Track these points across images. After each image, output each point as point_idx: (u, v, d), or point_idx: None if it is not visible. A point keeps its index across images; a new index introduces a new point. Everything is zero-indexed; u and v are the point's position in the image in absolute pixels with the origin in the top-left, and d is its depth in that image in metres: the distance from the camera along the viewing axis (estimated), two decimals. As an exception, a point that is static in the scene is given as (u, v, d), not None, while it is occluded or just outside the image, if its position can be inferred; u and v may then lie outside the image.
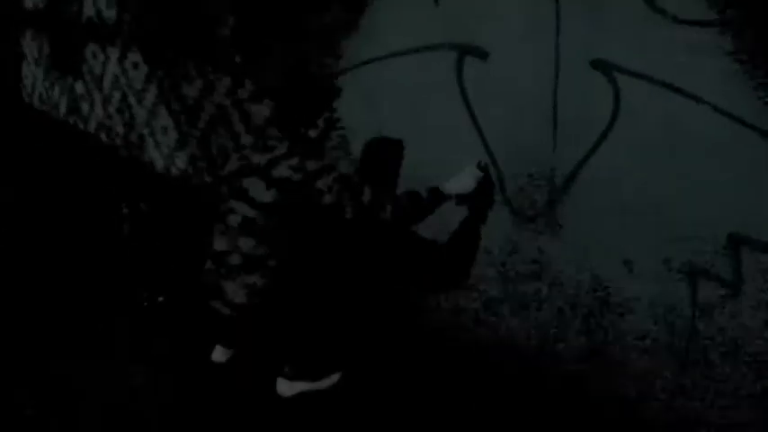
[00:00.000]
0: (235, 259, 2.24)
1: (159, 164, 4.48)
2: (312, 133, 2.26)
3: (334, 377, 2.69)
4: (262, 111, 3.61)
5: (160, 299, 2.98)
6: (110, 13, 4.65)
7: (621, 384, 2.49)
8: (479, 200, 2.57)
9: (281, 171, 2.13)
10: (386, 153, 2.92)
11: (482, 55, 2.54)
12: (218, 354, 2.71)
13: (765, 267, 2.12)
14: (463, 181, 2.39)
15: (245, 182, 2.24)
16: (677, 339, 2.34)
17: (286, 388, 2.50)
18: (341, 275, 2.62)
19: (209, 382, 2.61)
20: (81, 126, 5.30)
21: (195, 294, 2.45)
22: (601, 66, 2.29)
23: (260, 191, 2.17)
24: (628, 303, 2.42)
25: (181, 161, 4.30)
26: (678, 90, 2.16)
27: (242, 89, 3.72)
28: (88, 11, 4.84)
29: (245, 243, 2.20)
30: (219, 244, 2.30)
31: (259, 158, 2.22)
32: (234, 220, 2.24)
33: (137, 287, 3.16)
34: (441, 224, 2.77)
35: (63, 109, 5.52)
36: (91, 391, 2.55)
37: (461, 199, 2.49)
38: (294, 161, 2.13)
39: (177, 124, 4.27)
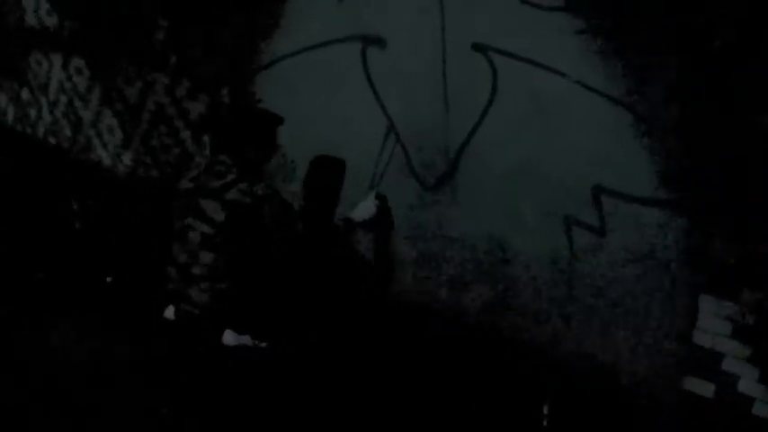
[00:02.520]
0: (197, 270, 2.54)
1: (107, 162, 4.72)
2: (255, 157, 2.60)
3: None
4: (197, 107, 3.89)
5: (108, 279, 3.25)
6: (51, 21, 4.85)
7: (518, 325, 2.85)
8: (381, 222, 3.02)
9: (233, 194, 2.45)
10: (328, 170, 3.24)
11: (381, 44, 2.87)
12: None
13: (624, 213, 2.49)
14: (366, 208, 2.86)
15: (202, 202, 2.53)
16: (561, 281, 2.70)
17: (230, 338, 2.79)
18: (286, 281, 2.96)
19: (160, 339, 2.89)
20: (29, 131, 5.48)
21: (161, 297, 2.74)
22: (480, 48, 2.64)
23: (216, 211, 2.48)
24: (519, 254, 2.78)
25: (127, 158, 4.54)
26: (543, 66, 2.52)
27: (179, 87, 3.99)
28: (30, 19, 5.03)
29: (206, 256, 2.51)
30: (182, 257, 2.59)
31: (214, 182, 2.53)
32: (194, 236, 2.54)
33: (87, 271, 3.42)
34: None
35: (11, 117, 5.68)
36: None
37: (366, 224, 2.92)
38: (244, 186, 2.46)
39: (122, 124, 4.51)
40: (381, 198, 2.97)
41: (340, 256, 3.26)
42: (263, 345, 2.96)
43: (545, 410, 2.78)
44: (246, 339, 2.76)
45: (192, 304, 2.56)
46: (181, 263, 2.58)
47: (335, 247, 3.21)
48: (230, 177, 2.50)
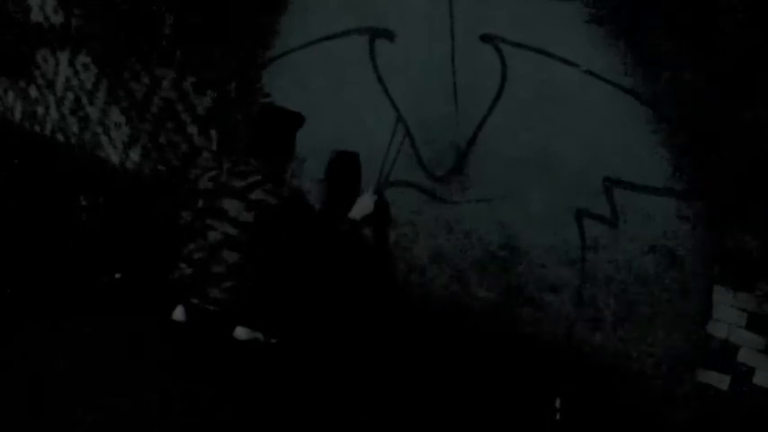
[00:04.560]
0: (217, 269, 2.53)
1: (114, 158, 4.72)
2: (281, 158, 2.61)
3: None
4: (204, 102, 3.88)
5: (117, 276, 3.25)
6: (57, 19, 4.85)
7: (530, 318, 2.83)
8: (379, 218, 3.06)
9: (259, 195, 2.45)
10: (346, 164, 3.24)
11: (390, 36, 2.85)
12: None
13: (636, 203, 2.46)
14: (365, 205, 2.88)
15: (224, 202, 2.52)
16: (573, 273, 2.68)
17: (243, 333, 2.79)
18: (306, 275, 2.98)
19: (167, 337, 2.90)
20: (38, 129, 5.49)
21: (171, 291, 2.74)
22: (489, 39, 2.61)
23: (240, 212, 2.47)
24: (530, 246, 2.75)
25: (134, 154, 4.54)
26: (554, 56, 2.49)
27: (185, 82, 3.98)
28: (36, 17, 5.03)
29: (230, 256, 2.50)
30: (197, 255, 2.58)
31: (237, 183, 2.52)
32: (213, 236, 2.53)
33: (96, 268, 3.43)
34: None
35: (18, 114, 5.69)
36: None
37: (365, 221, 2.93)
38: (269, 186, 2.45)
39: (129, 120, 4.51)
40: (379, 194, 3.00)
41: (347, 254, 3.25)
42: (274, 341, 2.97)
43: (557, 404, 2.76)
44: (258, 335, 2.75)
45: (210, 302, 2.55)
46: (198, 262, 2.57)
47: (344, 245, 3.21)
48: (255, 178, 2.49)
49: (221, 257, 2.52)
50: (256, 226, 2.48)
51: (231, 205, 2.49)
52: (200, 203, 2.59)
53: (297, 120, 2.66)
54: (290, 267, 2.73)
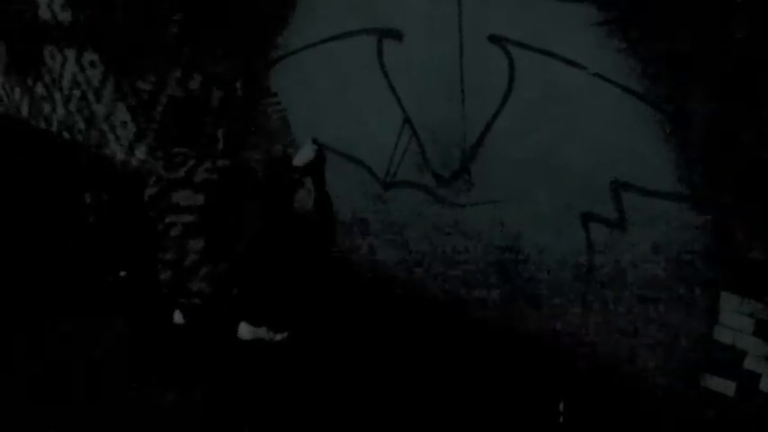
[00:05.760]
0: (189, 260, 2.54)
1: (120, 156, 4.72)
2: (205, 138, 2.68)
3: (284, 334, 3.00)
4: (211, 100, 3.88)
5: (122, 274, 3.25)
6: (65, 16, 4.86)
7: (534, 320, 2.82)
8: (318, 166, 3.26)
9: (201, 175, 2.50)
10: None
11: (397, 36, 2.84)
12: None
13: (644, 208, 2.45)
14: (306, 153, 3.07)
15: (173, 196, 2.55)
16: (579, 276, 2.67)
17: (247, 332, 2.79)
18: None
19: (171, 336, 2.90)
20: (44, 126, 5.50)
21: (162, 298, 2.74)
22: (497, 40, 2.60)
23: (190, 197, 2.50)
24: (536, 249, 2.74)
25: (140, 152, 4.54)
26: (562, 58, 2.48)
27: (192, 81, 3.98)
28: (43, 14, 5.04)
29: (196, 243, 2.52)
30: (169, 255, 2.60)
31: (177, 173, 2.56)
32: (175, 231, 2.55)
33: (101, 265, 3.43)
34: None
35: (25, 111, 5.71)
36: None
37: (307, 168, 3.15)
38: (207, 164, 2.51)
39: (135, 118, 4.51)
40: (316, 143, 3.20)
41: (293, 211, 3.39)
42: (279, 337, 2.96)
43: (561, 407, 2.74)
44: (262, 332, 2.75)
45: (194, 296, 2.55)
46: (171, 261, 2.59)
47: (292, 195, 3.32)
48: (191, 163, 2.54)
49: (188, 248, 2.54)
50: (209, 206, 2.52)
51: (180, 196, 2.54)
52: (152, 211, 2.64)
53: (195, 101, 2.77)
54: (260, 238, 2.75)
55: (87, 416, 2.57)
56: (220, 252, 2.54)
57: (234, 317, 2.65)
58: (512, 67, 2.59)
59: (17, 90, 5.70)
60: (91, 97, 4.87)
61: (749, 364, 2.31)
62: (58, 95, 5.22)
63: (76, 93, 5.01)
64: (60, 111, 5.25)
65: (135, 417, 2.63)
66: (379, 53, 2.93)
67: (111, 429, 2.54)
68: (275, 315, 2.90)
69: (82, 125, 5.04)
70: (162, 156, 2.70)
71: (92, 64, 4.77)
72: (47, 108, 5.41)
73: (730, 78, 2.16)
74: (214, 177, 2.52)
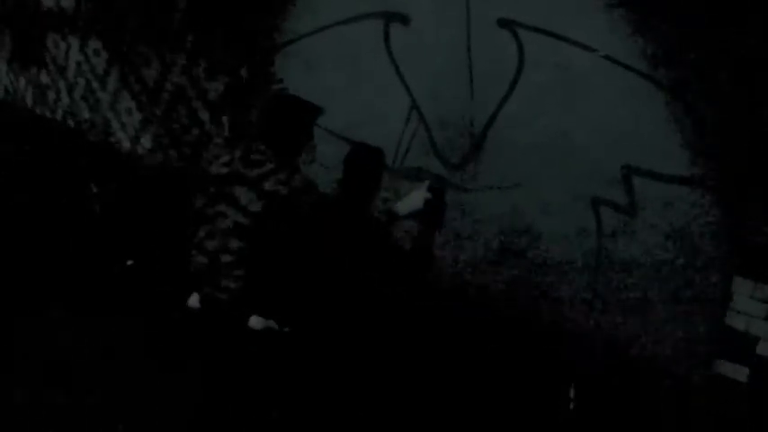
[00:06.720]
0: (227, 258, 2.52)
1: (125, 144, 4.71)
2: (293, 147, 2.55)
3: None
4: (216, 87, 3.85)
5: (129, 263, 3.24)
6: (68, 3, 4.83)
7: (545, 306, 2.80)
8: (430, 215, 2.74)
9: (271, 185, 2.42)
10: (366, 158, 3.13)
11: (404, 20, 2.80)
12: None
13: (655, 192, 2.42)
14: (414, 201, 2.59)
15: (236, 190, 2.49)
16: (589, 261, 2.64)
17: (257, 322, 2.78)
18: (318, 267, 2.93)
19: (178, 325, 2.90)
20: (48, 114, 5.48)
21: (184, 281, 2.73)
22: (506, 23, 2.56)
23: (251, 201, 2.45)
24: (546, 234, 2.72)
25: (146, 140, 4.52)
26: (571, 41, 2.44)
27: (197, 68, 3.95)
28: (47, 2, 5.01)
29: (239, 245, 2.49)
30: (210, 244, 2.57)
31: (250, 171, 2.49)
32: (224, 223, 2.51)
33: (108, 254, 3.42)
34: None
35: (29, 100, 5.69)
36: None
37: (412, 217, 2.65)
38: (282, 176, 2.42)
39: (140, 105, 4.49)
40: (434, 191, 2.57)
41: (378, 245, 3.20)
42: (287, 329, 2.96)
43: (571, 393, 2.73)
44: (272, 324, 2.75)
45: (222, 290, 2.54)
46: (209, 249, 2.56)
47: (374, 237, 3.14)
48: (268, 167, 2.46)
49: (231, 246, 2.50)
50: (264, 216, 2.46)
51: (243, 193, 2.47)
52: (212, 189, 2.57)
53: (313, 110, 2.61)
54: (301, 257, 2.71)
55: (95, 399, 2.58)
56: (259, 261, 2.50)
57: (250, 312, 2.63)
58: (521, 50, 2.55)
59: (22, 79, 5.68)
60: (95, 85, 4.85)
61: (762, 349, 2.29)
62: (62, 83, 5.20)
63: (81, 81, 4.99)
64: (65, 99, 5.24)
65: (145, 400, 2.65)
66: (386, 38, 2.89)
67: (120, 413, 2.55)
68: (293, 312, 2.89)
69: (87, 113, 5.03)
70: (242, 148, 2.57)
71: (96, 52, 4.75)
72: (51, 96, 5.40)
73: (746, 61, 2.12)
74: (283, 192, 2.45)
